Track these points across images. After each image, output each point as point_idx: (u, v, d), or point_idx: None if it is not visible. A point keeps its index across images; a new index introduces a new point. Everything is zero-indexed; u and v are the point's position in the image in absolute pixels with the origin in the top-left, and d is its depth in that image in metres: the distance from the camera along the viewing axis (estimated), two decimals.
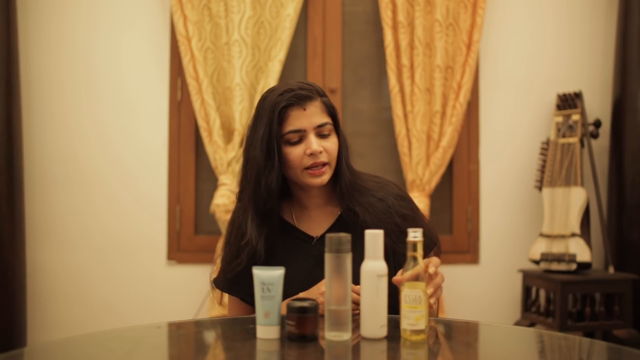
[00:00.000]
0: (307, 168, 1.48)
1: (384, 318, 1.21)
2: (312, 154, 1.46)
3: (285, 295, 1.38)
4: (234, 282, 1.56)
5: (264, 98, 1.52)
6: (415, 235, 1.22)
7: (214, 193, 2.97)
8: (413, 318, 1.19)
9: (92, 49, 3.10)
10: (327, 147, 1.49)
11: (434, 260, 1.30)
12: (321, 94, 1.52)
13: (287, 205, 1.60)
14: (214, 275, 1.65)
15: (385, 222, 1.51)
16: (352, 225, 1.51)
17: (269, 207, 1.50)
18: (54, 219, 3.07)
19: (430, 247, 1.57)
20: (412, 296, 1.20)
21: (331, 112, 1.52)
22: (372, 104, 3.21)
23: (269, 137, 1.47)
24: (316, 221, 1.57)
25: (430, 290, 1.25)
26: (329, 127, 1.50)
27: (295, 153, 1.48)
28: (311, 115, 1.48)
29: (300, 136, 1.48)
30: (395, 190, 1.59)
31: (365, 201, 1.53)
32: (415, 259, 1.21)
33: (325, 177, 1.50)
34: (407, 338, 1.20)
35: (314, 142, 1.47)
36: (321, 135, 1.49)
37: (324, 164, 1.48)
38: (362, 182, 1.56)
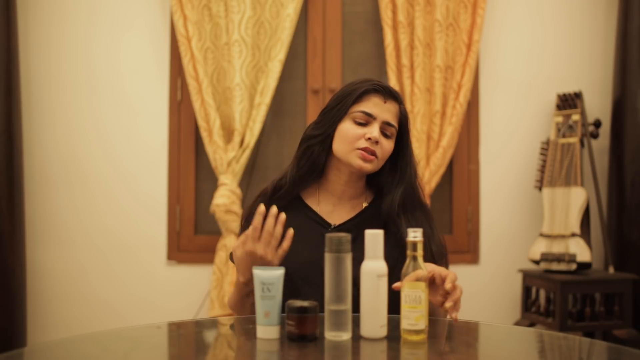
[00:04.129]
0: (361, 149, 1.51)
1: (384, 318, 1.21)
2: (369, 139, 1.50)
3: (294, 273, 1.45)
4: None
5: (345, 87, 1.57)
6: (415, 235, 1.22)
7: (214, 193, 2.97)
8: (413, 318, 1.20)
9: (92, 49, 3.10)
10: (383, 144, 1.53)
11: (451, 275, 1.33)
12: (401, 103, 1.58)
13: (315, 189, 1.63)
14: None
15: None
16: (374, 221, 1.55)
17: (305, 176, 1.56)
18: (54, 219, 3.07)
19: (443, 255, 1.60)
20: (412, 296, 1.20)
21: (402, 121, 1.57)
22: None
23: (337, 110, 1.53)
24: (338, 211, 1.60)
25: (449, 305, 1.29)
26: (394, 131, 1.55)
27: (356, 130, 1.52)
28: (387, 110, 1.54)
29: (367, 121, 1.53)
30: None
31: (415, 220, 1.56)
32: (415, 258, 1.22)
33: (369, 166, 1.53)
34: (407, 338, 1.20)
35: (375, 131, 1.51)
36: (384, 134, 1.54)
37: (374, 155, 1.52)
38: (423, 200, 1.61)
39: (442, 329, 1.37)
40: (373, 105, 1.53)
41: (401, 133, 1.58)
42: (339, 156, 1.55)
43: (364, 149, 1.51)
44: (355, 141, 1.52)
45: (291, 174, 1.57)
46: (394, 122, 1.55)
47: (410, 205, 1.57)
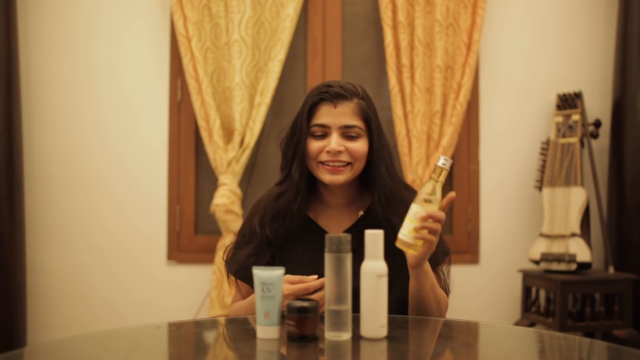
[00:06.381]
0: (324, 163, 1.49)
1: (384, 318, 1.21)
2: (329, 152, 1.48)
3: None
4: (246, 269, 1.54)
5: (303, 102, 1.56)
6: (444, 163, 1.31)
7: (214, 193, 2.97)
8: (406, 230, 1.32)
9: (92, 49, 3.10)
10: (351, 147, 1.49)
11: (451, 194, 1.37)
12: (360, 97, 1.52)
13: (311, 202, 1.61)
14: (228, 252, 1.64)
15: None
16: (373, 227, 1.50)
17: (294, 199, 1.53)
18: (54, 219, 3.07)
19: (441, 258, 1.56)
20: (415, 211, 1.31)
21: (365, 116, 1.51)
22: None
23: (300, 128, 1.51)
24: (336, 221, 1.59)
25: (422, 214, 1.31)
26: (358, 130, 1.50)
27: (315, 145, 1.50)
28: (340, 115, 1.49)
29: (325, 132, 1.50)
30: None
31: (404, 214, 1.53)
32: (434, 186, 1.31)
33: (341, 177, 1.50)
34: (398, 245, 1.33)
35: (333, 141, 1.48)
36: (348, 137, 1.50)
37: (345, 164, 1.49)
38: (404, 193, 1.55)
39: (442, 329, 1.37)
40: (324, 114, 1.49)
41: (370, 127, 1.52)
42: (313, 173, 1.53)
43: (326, 162, 1.49)
44: (316, 156, 1.49)
45: (296, 206, 1.54)
46: (354, 122, 1.49)
47: (392, 204, 1.52)
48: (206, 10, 3.00)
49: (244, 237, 1.59)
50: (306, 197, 1.55)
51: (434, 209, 1.31)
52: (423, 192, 1.32)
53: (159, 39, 3.11)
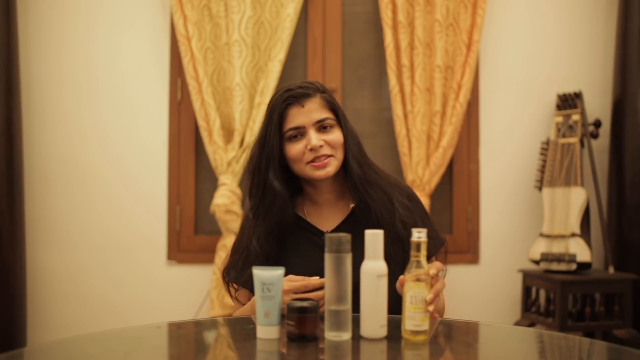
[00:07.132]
0: (310, 162, 1.51)
1: (384, 318, 1.21)
2: (312, 149, 1.50)
3: None
4: (248, 275, 1.54)
5: (269, 102, 1.56)
6: (419, 235, 1.20)
7: (214, 193, 2.97)
8: (418, 319, 1.19)
9: (92, 49, 3.10)
10: (329, 139, 1.52)
11: (436, 264, 1.30)
12: (321, 91, 1.55)
13: (300, 201, 1.63)
14: (224, 267, 1.64)
15: (390, 222, 1.52)
16: (363, 221, 1.52)
17: (278, 207, 1.52)
18: (54, 219, 3.07)
19: (437, 248, 1.58)
20: (419, 297, 1.19)
21: (332, 107, 1.55)
22: (372, 104, 3.21)
23: (270, 137, 1.51)
24: (327, 217, 1.60)
25: (429, 297, 1.20)
26: (330, 121, 1.53)
27: (296, 149, 1.51)
28: (310, 112, 1.51)
29: (301, 132, 1.52)
30: (407, 192, 1.61)
31: (376, 196, 1.54)
32: (418, 259, 1.20)
33: (330, 169, 1.52)
34: (410, 338, 1.20)
35: (313, 138, 1.50)
36: (323, 130, 1.52)
37: (327, 156, 1.51)
38: (373, 176, 1.57)
39: (442, 329, 1.37)
40: (295, 117, 1.51)
41: (338, 117, 1.55)
42: (301, 175, 1.55)
43: (313, 160, 1.51)
44: (301, 157, 1.51)
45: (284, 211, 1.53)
46: (325, 114, 1.52)
47: (363, 188, 1.53)
48: (206, 10, 3.00)
49: (241, 252, 1.57)
50: (291, 199, 1.56)
51: (427, 286, 1.20)
52: (410, 274, 1.20)
53: (159, 39, 3.11)
